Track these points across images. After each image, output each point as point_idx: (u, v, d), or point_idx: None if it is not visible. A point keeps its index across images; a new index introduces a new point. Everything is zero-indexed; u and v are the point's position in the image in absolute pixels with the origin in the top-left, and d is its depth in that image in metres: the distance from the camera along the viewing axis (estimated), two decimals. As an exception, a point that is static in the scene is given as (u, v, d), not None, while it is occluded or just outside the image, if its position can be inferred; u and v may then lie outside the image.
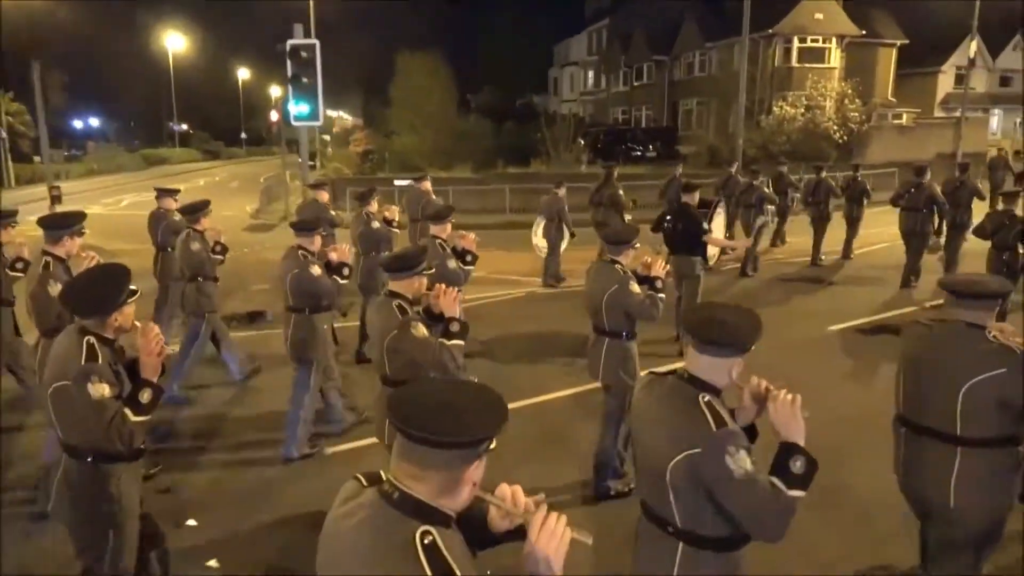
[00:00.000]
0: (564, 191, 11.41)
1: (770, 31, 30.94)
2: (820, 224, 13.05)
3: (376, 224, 8.11)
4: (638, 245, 5.12)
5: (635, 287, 4.84)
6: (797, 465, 2.37)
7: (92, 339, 3.19)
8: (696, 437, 2.38)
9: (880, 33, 33.83)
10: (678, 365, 2.73)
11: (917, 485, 3.46)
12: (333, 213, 9.43)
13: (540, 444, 5.88)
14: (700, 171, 21.69)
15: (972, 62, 28.01)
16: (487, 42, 52.91)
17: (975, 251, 9.73)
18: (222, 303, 7.89)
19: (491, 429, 1.68)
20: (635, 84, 41.65)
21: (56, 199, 15.49)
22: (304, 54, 9.93)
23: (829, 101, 29.06)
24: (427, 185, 10.28)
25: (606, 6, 47.00)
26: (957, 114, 28.15)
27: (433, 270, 4.80)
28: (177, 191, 8.52)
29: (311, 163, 36.04)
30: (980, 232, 8.64)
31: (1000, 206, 8.94)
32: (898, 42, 34.34)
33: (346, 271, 5.93)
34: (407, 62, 31.92)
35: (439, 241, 6.36)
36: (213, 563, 4.37)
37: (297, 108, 10.31)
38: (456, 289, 4.08)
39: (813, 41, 31.91)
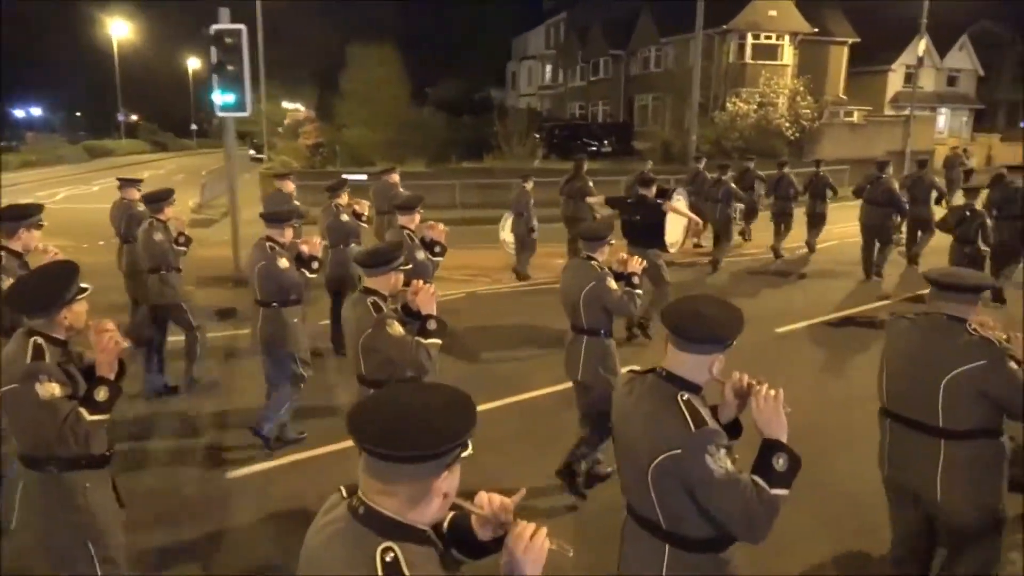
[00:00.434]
0: (531, 185, 11.51)
1: (724, 27, 31.04)
2: (782, 219, 13.26)
3: (345, 217, 8.04)
4: (613, 241, 5.12)
5: (612, 283, 4.83)
6: (780, 463, 2.34)
7: (39, 339, 3.07)
8: (675, 438, 2.34)
9: (832, 31, 34.19)
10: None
11: (904, 478, 3.48)
12: (297, 204, 9.21)
13: (526, 442, 5.67)
14: (655, 167, 21.54)
15: (921, 61, 28.53)
16: (445, 35, 52.39)
17: (939, 247, 10.05)
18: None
19: (457, 437, 1.60)
20: (592, 79, 41.39)
21: (-18, 191, 14.60)
22: (229, 40, 9.37)
23: (782, 98, 29.26)
24: (395, 177, 10.29)
25: (564, -1, 46.81)
26: (906, 112, 28.53)
27: (411, 265, 4.77)
28: (140, 181, 8.17)
29: (260, 156, 35.30)
30: (943, 226, 8.96)
31: (961, 200, 9.23)
32: (850, 40, 34.75)
33: (315, 265, 5.78)
34: (359, 53, 31.32)
35: (407, 232, 6.16)
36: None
37: (222, 98, 9.75)
38: (433, 286, 4.03)
39: (767, 38, 32.09)
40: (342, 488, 1.76)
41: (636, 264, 5.05)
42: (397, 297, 4.08)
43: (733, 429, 2.53)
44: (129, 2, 56.40)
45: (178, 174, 37.37)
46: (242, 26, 9.48)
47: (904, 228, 11.89)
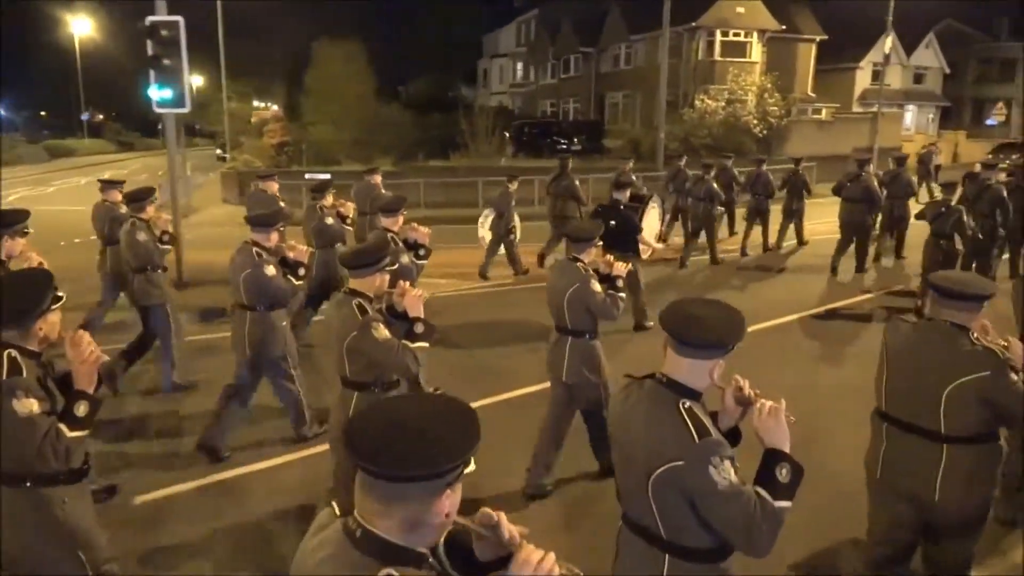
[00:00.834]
0: (516, 186, 11.54)
1: (693, 24, 30.98)
2: (757, 216, 13.33)
3: (330, 220, 7.96)
4: (600, 243, 5.13)
5: (596, 286, 4.83)
6: (783, 473, 2.29)
7: (13, 352, 2.90)
8: (678, 449, 2.27)
9: (800, 28, 34.29)
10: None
11: (900, 481, 3.46)
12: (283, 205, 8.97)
13: (514, 440, 5.45)
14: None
15: (888, 59, 28.70)
16: (416, 32, 51.95)
17: (915, 243, 10.17)
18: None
19: (461, 455, 1.51)
20: (563, 76, 41.18)
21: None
22: (165, 32, 8.96)
23: (750, 95, 29.32)
24: (377, 178, 10.14)
25: (534, -5, 46.48)
26: (874, 109, 28.67)
27: (396, 266, 4.75)
28: (122, 183, 8.05)
29: (223, 155, 34.61)
30: (921, 217, 9.19)
31: (934, 196, 9.39)
32: (817, 38, 34.88)
33: (301, 271, 5.69)
34: (324, 50, 30.84)
35: (390, 235, 6.01)
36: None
37: (159, 93, 9.33)
38: (420, 289, 4.00)
39: (735, 35, 32.08)
40: (334, 504, 1.67)
41: (621, 267, 5.04)
42: (382, 298, 4.03)
43: (732, 437, 2.47)
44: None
45: (142, 174, 36.57)
46: (179, 17, 9.08)
47: (878, 225, 12.08)
